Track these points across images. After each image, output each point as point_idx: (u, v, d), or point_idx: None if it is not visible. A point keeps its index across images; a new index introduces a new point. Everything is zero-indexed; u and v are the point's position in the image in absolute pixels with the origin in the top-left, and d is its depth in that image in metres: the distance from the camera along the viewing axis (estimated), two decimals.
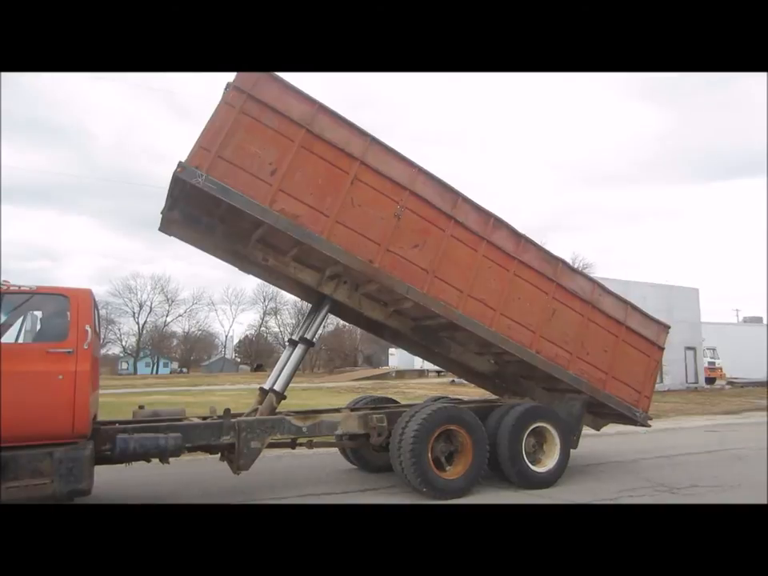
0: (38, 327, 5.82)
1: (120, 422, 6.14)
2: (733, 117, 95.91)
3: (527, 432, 7.05)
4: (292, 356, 7.08)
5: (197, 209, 6.41)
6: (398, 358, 52.63)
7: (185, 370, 63.26)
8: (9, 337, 5.40)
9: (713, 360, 30.92)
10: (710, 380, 29.85)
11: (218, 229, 6.61)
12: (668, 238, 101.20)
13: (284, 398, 6.90)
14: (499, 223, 7.19)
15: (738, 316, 55.67)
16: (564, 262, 7.66)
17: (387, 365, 52.88)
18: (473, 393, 15.65)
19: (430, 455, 6.39)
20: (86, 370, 5.16)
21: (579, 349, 7.51)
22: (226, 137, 5.77)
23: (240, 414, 6.64)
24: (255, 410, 6.79)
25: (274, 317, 64.29)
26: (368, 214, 6.38)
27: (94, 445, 5.23)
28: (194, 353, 67.88)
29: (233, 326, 70.89)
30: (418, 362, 48.79)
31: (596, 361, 7.66)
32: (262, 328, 65.64)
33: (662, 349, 8.40)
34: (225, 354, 65.87)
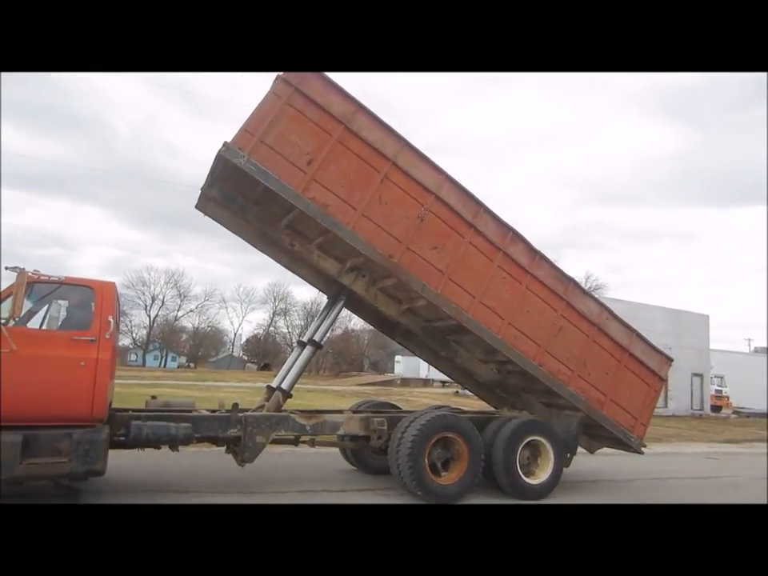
0: (62, 315, 6.17)
1: (133, 410, 6.45)
2: (752, 141, 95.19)
3: (522, 444, 7.26)
4: (300, 357, 7.38)
5: (234, 189, 6.81)
6: (404, 365, 52.82)
7: (192, 365, 63.74)
8: (33, 323, 5.76)
9: (720, 388, 30.73)
10: (716, 408, 29.64)
11: (251, 210, 7.00)
12: (682, 261, 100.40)
13: (290, 396, 7.17)
14: (517, 237, 7.46)
15: (749, 345, 55.16)
16: (575, 283, 7.89)
17: (393, 372, 53.05)
18: (476, 405, 15.78)
19: (426, 460, 6.62)
20: (107, 358, 5.48)
21: (581, 368, 7.70)
22: (270, 124, 6.16)
23: (247, 410, 6.93)
24: (262, 407, 7.08)
25: (283, 317, 64.79)
26: (393, 213, 6.70)
27: (109, 429, 5.55)
28: (202, 348, 68.40)
29: (242, 324, 71.25)
30: (424, 371, 48.96)
31: (596, 382, 7.83)
32: (271, 328, 66.15)
33: (663, 380, 8.55)
34: (233, 351, 66.45)
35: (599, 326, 7.86)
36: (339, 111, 6.45)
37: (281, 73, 6.23)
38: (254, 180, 6.15)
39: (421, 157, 6.91)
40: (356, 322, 69.02)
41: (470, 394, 31.14)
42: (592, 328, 7.81)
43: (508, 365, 7.67)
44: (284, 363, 7.78)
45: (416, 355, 9.44)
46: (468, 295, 7.03)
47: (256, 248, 7.66)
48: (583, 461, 9.13)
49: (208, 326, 66.85)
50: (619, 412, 8.04)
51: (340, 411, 7.87)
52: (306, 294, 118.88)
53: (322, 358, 61.15)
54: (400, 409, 8.69)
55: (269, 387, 7.43)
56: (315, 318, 8.16)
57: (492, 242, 7.21)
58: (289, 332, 64.44)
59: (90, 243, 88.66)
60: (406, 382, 43.44)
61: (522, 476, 7.20)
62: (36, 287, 5.49)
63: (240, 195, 6.87)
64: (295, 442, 7.13)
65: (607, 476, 9.22)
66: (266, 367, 60.73)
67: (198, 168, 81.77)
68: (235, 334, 68.24)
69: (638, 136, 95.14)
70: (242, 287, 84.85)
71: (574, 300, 7.71)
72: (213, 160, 6.33)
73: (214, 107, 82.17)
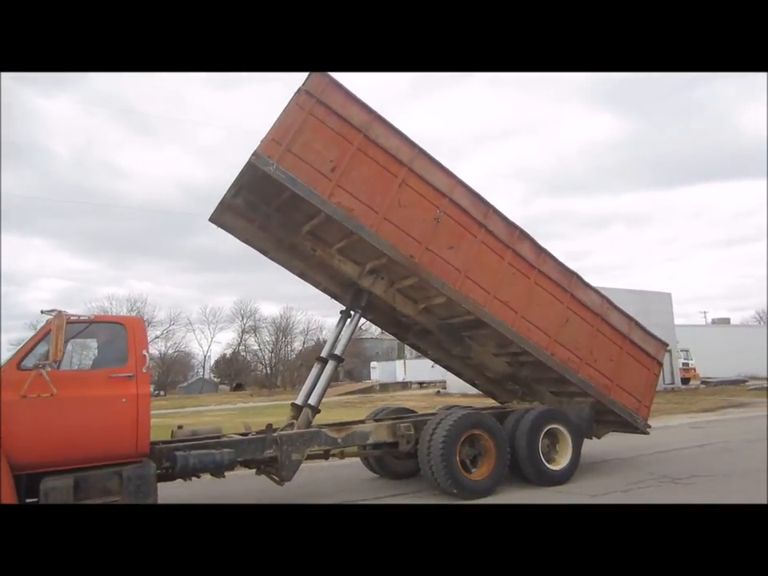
0: (80, 353, 6.18)
1: (162, 442, 6.44)
2: (690, 124, 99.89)
3: (542, 433, 7.56)
4: (324, 372, 7.50)
5: (257, 197, 7.01)
6: (380, 371, 53.04)
7: (162, 392, 62.06)
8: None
9: (686, 361, 32.15)
10: (685, 380, 31.02)
11: (274, 218, 7.23)
12: (636, 242, 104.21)
13: (318, 411, 7.29)
14: (523, 235, 7.84)
15: (705, 317, 57.93)
16: (578, 276, 8.26)
17: (369, 378, 53.17)
18: (464, 402, 16.17)
19: (457, 458, 6.85)
20: (147, 393, 5.52)
21: (588, 355, 8.09)
22: (295, 134, 6.41)
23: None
24: (290, 425, 7.16)
25: (253, 335, 63.85)
26: (411, 215, 7.01)
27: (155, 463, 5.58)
28: (170, 374, 66.68)
29: (211, 345, 69.40)
30: (400, 374, 49.29)
31: (603, 368, 8.23)
32: (241, 346, 65.05)
33: (661, 364, 9.04)
34: (204, 374, 65.03)
35: (601, 315, 8.28)
36: (358, 121, 6.75)
37: (302, 85, 6.50)
38: (279, 188, 6.39)
39: (433, 162, 7.25)
40: (327, 333, 68.78)
41: (452, 392, 31.54)
42: (595, 318, 8.22)
43: (521, 356, 7.99)
44: (257, 382, 7.97)
45: (426, 356, 9.75)
46: (483, 291, 7.36)
47: (268, 256, 7.95)
48: (588, 443, 9.51)
49: (175, 351, 65.30)
50: (625, 396, 8.46)
51: (362, 421, 8.03)
52: (274, 309, 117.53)
53: (297, 372, 60.67)
54: (416, 412, 8.91)
55: (294, 405, 7.54)
56: (332, 332, 8.29)
57: (502, 241, 7.57)
58: (260, 349, 63.64)
59: (38, 276, 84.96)
60: (384, 387, 43.66)
61: (546, 463, 7.51)
62: (67, 328, 5.47)
63: (263, 203, 7.08)
64: (325, 456, 7.24)
65: (612, 455, 9.61)
66: (238, 387, 59.62)
67: (146, 189, 79.56)
68: (205, 357, 66.87)
69: (585, 126, 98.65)
70: (209, 308, 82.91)
71: (577, 292, 8.10)
72: (240, 169, 6.56)
73: (157, 124, 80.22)
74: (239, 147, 77.80)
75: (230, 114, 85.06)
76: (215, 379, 66.89)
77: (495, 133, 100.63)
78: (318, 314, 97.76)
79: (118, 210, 70.95)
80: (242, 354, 65.19)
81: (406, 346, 55.07)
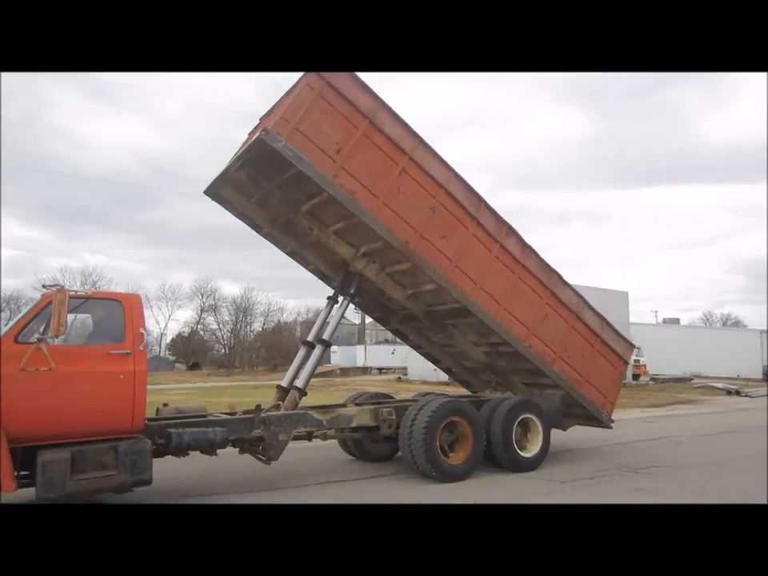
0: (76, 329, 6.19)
1: (151, 419, 6.46)
2: (652, 126, 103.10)
3: (516, 422, 7.94)
4: (312, 356, 7.65)
5: (259, 173, 7.11)
6: (341, 355, 53.13)
7: None
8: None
9: (638, 358, 33.52)
10: (636, 376, 32.41)
11: (275, 195, 7.35)
12: (595, 240, 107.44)
13: (305, 394, 7.45)
14: (511, 231, 8.16)
15: (656, 317, 60.58)
16: (558, 274, 8.63)
17: (330, 363, 53.27)
18: (425, 389, 16.49)
19: (438, 443, 7.14)
20: (144, 370, 5.56)
21: (562, 350, 8.49)
22: (304, 113, 6.52)
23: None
24: (276, 406, 7.31)
25: (212, 313, 62.79)
26: (409, 203, 7.22)
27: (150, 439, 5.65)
28: None
29: (168, 323, 67.75)
30: (361, 360, 49.57)
31: (575, 363, 8.65)
32: (199, 325, 63.91)
33: (627, 363, 9.57)
34: (160, 352, 63.58)
35: (577, 313, 8.68)
36: (365, 106, 6.90)
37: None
38: (284, 165, 6.48)
39: (432, 153, 7.45)
40: (288, 315, 68.17)
41: (413, 379, 31.89)
42: (571, 315, 8.61)
43: (500, 347, 8.30)
44: (214, 362, 8.10)
45: (406, 343, 9.98)
46: (471, 281, 7.64)
47: (261, 233, 8.16)
48: (552, 434, 9.95)
49: None
50: (593, 391, 8.91)
51: (344, 405, 8.23)
52: (234, 288, 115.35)
53: (255, 354, 60.18)
54: (395, 398, 9.17)
55: (279, 387, 7.69)
56: (319, 317, 8.42)
57: (491, 235, 7.86)
58: (219, 328, 62.70)
59: None
60: (345, 371, 43.90)
61: (519, 451, 7.89)
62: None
63: (264, 179, 7.18)
64: (309, 437, 7.42)
65: (577, 445, 10.05)
66: (195, 366, 58.65)
67: (101, 158, 76.17)
68: (162, 334, 65.30)
69: (552, 122, 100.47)
70: (168, 285, 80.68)
71: (556, 289, 8.47)
72: (247, 144, 6.67)
73: (114, 90, 76.53)
74: (200, 120, 75.31)
75: (190, 84, 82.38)
76: (171, 357, 65.53)
77: (462, 123, 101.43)
78: (279, 295, 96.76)
79: (70, 177, 68.18)
80: (201, 332, 64.14)
81: (366, 331, 54.93)
